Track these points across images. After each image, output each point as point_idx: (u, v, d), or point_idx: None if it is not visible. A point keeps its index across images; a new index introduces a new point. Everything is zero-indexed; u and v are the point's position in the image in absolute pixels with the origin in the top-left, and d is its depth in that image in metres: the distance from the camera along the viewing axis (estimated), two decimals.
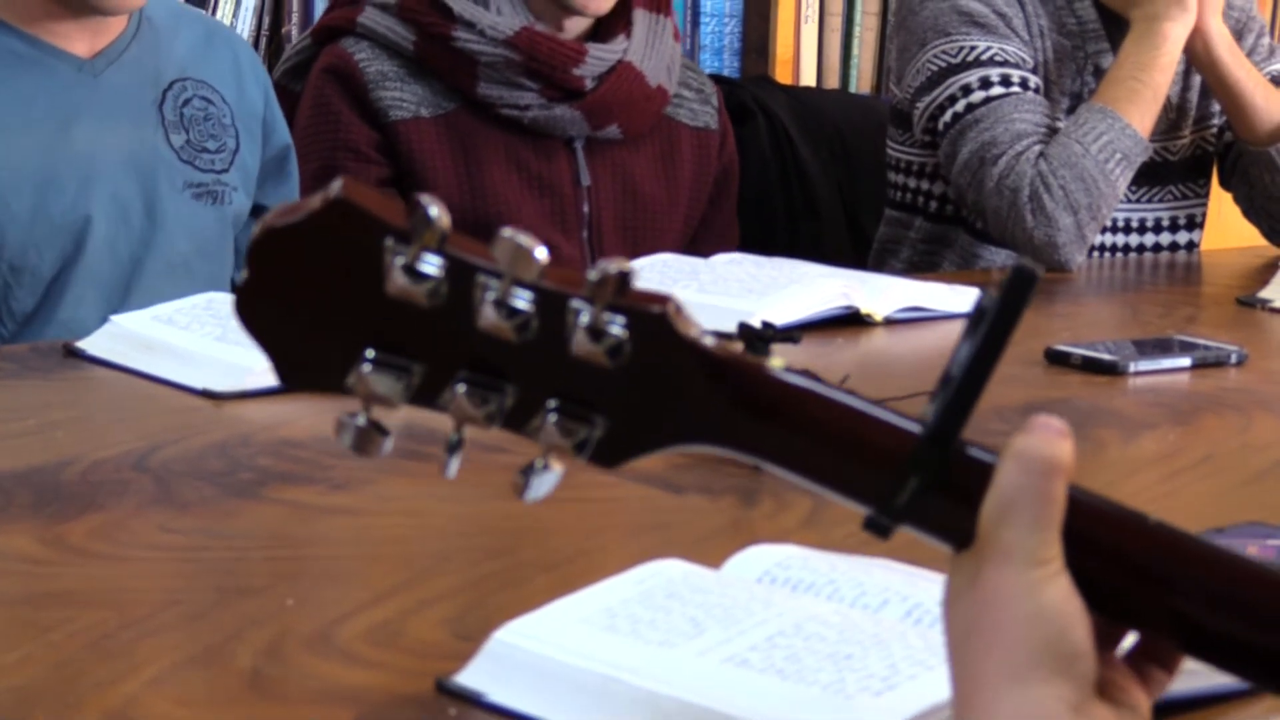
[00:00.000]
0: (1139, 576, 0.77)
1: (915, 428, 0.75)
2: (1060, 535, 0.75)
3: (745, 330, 1.64)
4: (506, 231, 0.71)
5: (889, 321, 2.10)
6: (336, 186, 0.72)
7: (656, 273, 2.15)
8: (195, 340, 1.73)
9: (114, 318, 1.81)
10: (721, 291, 2.05)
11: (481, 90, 2.50)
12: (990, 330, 0.74)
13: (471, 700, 0.99)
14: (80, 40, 2.13)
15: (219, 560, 1.25)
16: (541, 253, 0.71)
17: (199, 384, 1.64)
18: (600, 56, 2.54)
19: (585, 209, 2.56)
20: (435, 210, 0.71)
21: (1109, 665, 0.78)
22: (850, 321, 2.08)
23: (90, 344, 1.78)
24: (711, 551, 1.15)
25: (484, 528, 1.28)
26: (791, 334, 1.69)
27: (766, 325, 1.65)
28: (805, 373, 0.77)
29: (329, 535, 1.32)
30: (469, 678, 1.00)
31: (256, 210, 2.31)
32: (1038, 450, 0.75)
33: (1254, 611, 0.77)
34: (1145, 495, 1.48)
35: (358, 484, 1.38)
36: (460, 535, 1.27)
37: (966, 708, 0.75)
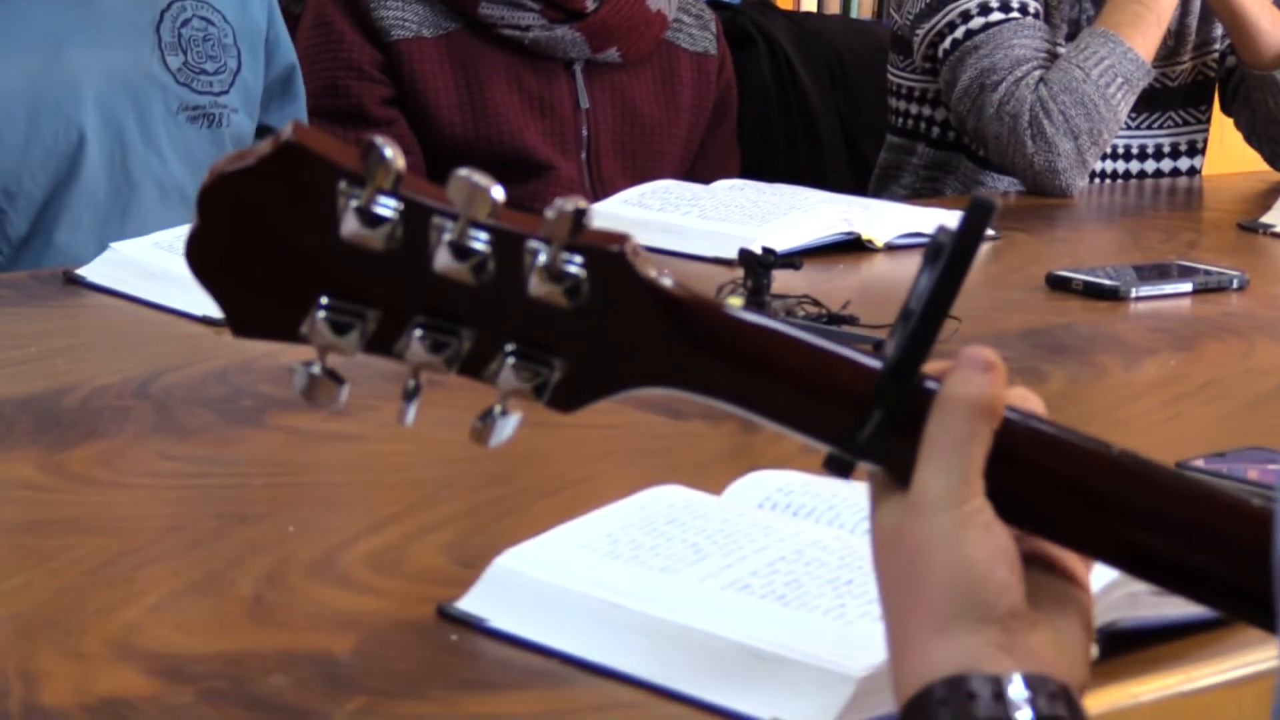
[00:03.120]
0: (1096, 507, 0.75)
1: (876, 363, 0.74)
2: (981, 477, 0.73)
3: (746, 256, 1.63)
4: (462, 171, 0.69)
5: (890, 247, 2.10)
6: (288, 130, 0.70)
7: (658, 199, 2.14)
8: None
9: (114, 245, 1.80)
10: (723, 218, 2.04)
11: (483, 10, 2.48)
12: (949, 263, 0.73)
13: (473, 626, 0.99)
14: None
15: (220, 487, 1.25)
16: (498, 191, 0.69)
17: (200, 311, 1.64)
18: None
19: (584, 132, 2.56)
20: (389, 151, 0.69)
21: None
22: (851, 247, 2.07)
23: (90, 271, 1.77)
24: (713, 477, 1.15)
25: (485, 454, 1.27)
26: (792, 260, 1.68)
27: (767, 251, 1.64)
28: (762, 310, 0.75)
29: (330, 462, 1.32)
30: (470, 603, 1.01)
31: (262, 131, 2.29)
32: (954, 391, 0.73)
33: (1220, 542, 0.75)
34: (1146, 420, 1.48)
35: (359, 410, 1.37)
36: (461, 461, 1.27)
37: (899, 662, 0.74)
